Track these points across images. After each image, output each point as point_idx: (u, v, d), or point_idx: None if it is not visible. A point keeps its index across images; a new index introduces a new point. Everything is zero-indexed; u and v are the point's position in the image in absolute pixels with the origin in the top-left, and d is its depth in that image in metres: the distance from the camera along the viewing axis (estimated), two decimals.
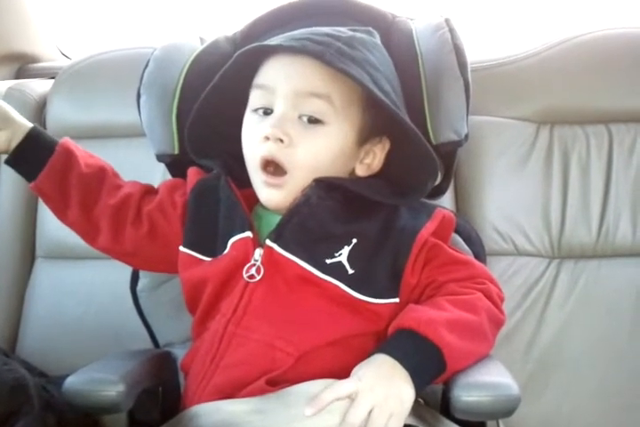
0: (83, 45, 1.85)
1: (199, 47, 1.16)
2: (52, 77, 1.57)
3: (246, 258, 0.98)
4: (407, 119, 0.99)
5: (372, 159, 1.03)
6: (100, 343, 0.99)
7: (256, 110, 1.01)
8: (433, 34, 1.13)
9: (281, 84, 0.98)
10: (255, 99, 1.01)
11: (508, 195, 1.37)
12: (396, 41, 1.12)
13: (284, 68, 0.99)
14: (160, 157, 1.15)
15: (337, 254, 0.97)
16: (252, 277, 0.97)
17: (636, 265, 1.35)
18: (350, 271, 0.97)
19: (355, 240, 0.98)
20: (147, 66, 1.16)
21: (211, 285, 1.00)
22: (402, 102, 1.03)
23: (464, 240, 1.14)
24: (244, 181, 1.03)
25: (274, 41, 1.00)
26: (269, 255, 0.97)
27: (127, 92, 1.20)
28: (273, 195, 0.99)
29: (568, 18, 1.76)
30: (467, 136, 1.12)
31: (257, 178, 1.00)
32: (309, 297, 0.97)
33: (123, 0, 1.95)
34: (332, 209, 0.99)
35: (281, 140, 0.96)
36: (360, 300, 0.97)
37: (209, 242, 1.03)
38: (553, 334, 1.34)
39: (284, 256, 0.97)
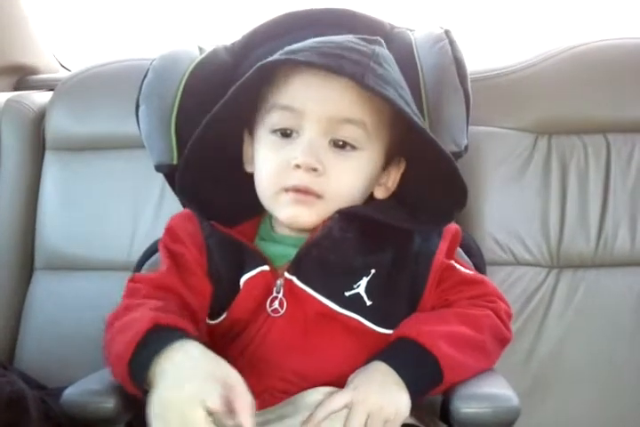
0: (82, 57, 1.85)
1: (198, 57, 1.16)
2: (51, 89, 1.58)
3: (268, 292, 0.95)
4: (437, 141, 0.95)
5: (387, 179, 1.01)
6: (99, 355, 0.98)
7: (275, 131, 0.95)
8: (433, 46, 1.13)
9: (312, 107, 0.92)
10: (276, 119, 0.95)
11: (507, 205, 1.37)
12: (396, 52, 1.11)
13: (316, 89, 0.92)
14: (159, 168, 1.14)
15: (355, 286, 0.95)
16: (275, 311, 0.95)
17: (635, 274, 1.35)
18: (368, 303, 0.95)
19: (373, 271, 0.96)
20: (145, 76, 1.16)
21: (236, 325, 0.96)
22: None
23: (464, 252, 1.13)
24: (233, 218, 0.98)
25: (297, 55, 0.91)
26: (290, 288, 0.95)
27: (126, 103, 1.20)
28: (301, 212, 0.93)
29: (566, 28, 1.76)
30: (466, 147, 1.12)
31: (279, 198, 0.95)
32: (328, 332, 0.95)
33: (121, 12, 1.95)
34: (353, 241, 0.96)
35: (314, 169, 0.92)
36: (379, 333, 0.96)
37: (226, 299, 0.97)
38: (552, 343, 1.33)
39: (303, 290, 0.95)
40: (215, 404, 0.77)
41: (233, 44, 1.19)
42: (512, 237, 1.36)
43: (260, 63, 0.92)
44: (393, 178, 1.02)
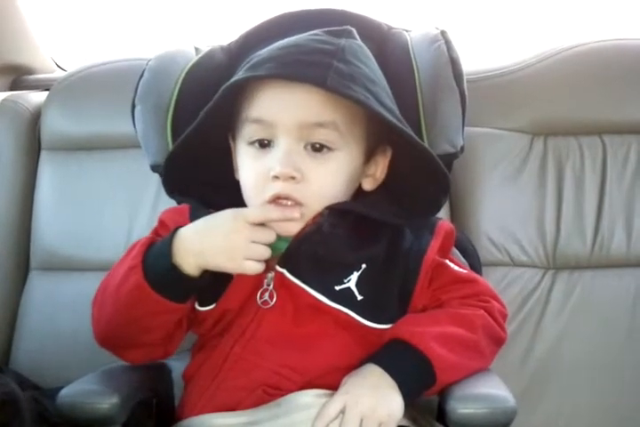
0: (78, 57, 1.85)
1: (194, 57, 1.16)
2: (47, 89, 1.57)
3: (259, 283, 0.96)
4: (412, 133, 0.96)
5: (375, 169, 1.01)
6: (95, 355, 0.98)
7: (252, 143, 0.96)
8: (429, 46, 1.13)
9: (281, 117, 0.93)
10: (251, 132, 0.96)
11: (503, 205, 1.37)
12: (392, 53, 1.12)
13: (281, 99, 0.93)
14: (155, 168, 1.14)
15: (346, 280, 0.96)
16: (265, 302, 0.96)
17: (631, 275, 1.35)
18: (359, 297, 0.96)
19: (364, 266, 0.97)
20: (142, 76, 1.16)
21: (226, 316, 0.98)
22: (396, 107, 1.00)
23: (460, 252, 1.14)
24: (223, 208, 0.99)
25: (259, 69, 0.92)
26: (281, 280, 0.96)
27: (122, 103, 1.20)
28: (291, 226, 0.94)
29: (562, 29, 1.77)
30: (462, 148, 1.12)
31: None
32: (318, 325, 0.96)
33: (117, 12, 1.95)
34: (343, 236, 0.96)
35: (292, 178, 0.92)
36: (369, 327, 0.96)
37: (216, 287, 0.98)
38: (549, 344, 1.34)
39: (293, 283, 0.95)
40: (249, 211, 0.93)
41: (229, 44, 1.19)
42: (508, 238, 1.36)
43: (224, 86, 0.94)
44: (381, 167, 1.01)
